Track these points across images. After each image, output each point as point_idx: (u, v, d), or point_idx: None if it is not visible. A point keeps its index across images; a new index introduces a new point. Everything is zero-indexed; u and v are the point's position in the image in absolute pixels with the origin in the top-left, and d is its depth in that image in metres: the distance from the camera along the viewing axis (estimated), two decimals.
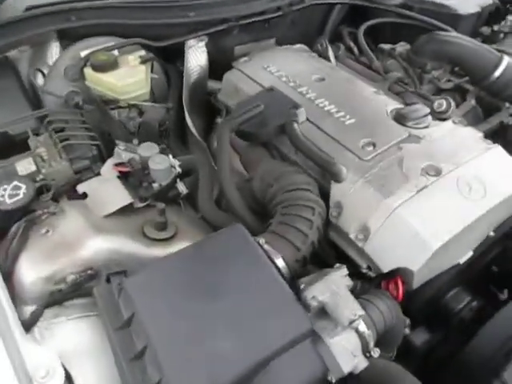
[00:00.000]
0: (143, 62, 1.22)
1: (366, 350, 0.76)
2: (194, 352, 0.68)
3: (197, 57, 1.41)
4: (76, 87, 1.21)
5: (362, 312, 0.73)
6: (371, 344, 0.76)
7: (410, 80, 1.34)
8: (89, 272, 0.88)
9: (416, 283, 0.95)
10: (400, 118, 1.07)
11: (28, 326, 0.82)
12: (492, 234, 1.11)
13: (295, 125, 1.04)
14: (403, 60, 1.38)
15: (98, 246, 0.88)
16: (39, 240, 0.91)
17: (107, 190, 0.96)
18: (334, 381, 0.71)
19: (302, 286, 0.76)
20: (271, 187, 0.94)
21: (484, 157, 0.98)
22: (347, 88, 1.19)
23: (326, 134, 1.05)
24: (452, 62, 1.32)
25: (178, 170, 1.03)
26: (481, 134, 1.05)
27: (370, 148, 1.01)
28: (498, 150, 1.02)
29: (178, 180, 1.05)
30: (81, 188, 0.98)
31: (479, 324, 1.05)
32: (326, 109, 1.11)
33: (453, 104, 1.13)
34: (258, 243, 0.81)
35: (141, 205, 0.98)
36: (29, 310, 0.86)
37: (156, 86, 1.33)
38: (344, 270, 0.78)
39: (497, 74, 1.27)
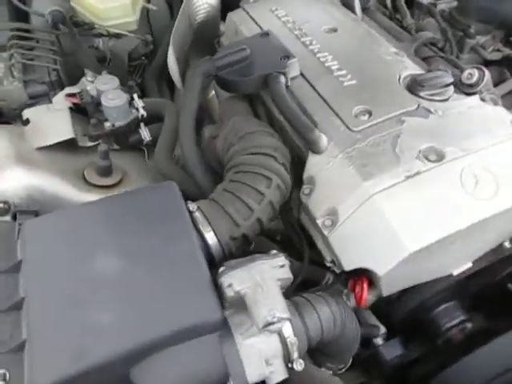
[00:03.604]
0: None
1: (288, 360, 0.62)
2: (70, 318, 0.57)
3: None
4: (61, 6, 1.10)
5: (285, 315, 0.58)
6: (295, 354, 0.61)
7: (448, 45, 1.10)
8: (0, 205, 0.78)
9: (387, 290, 0.78)
10: (413, 86, 0.86)
11: None
12: (508, 245, 0.91)
13: (281, 78, 0.87)
14: (444, 20, 1.13)
15: (17, 179, 0.76)
16: None
17: (51, 121, 0.85)
18: None
19: (220, 270, 0.62)
20: (233, 147, 0.78)
21: (506, 146, 0.77)
22: (361, 44, 0.98)
23: (318, 95, 0.87)
24: (504, 25, 1.07)
25: (142, 112, 0.89)
26: None
27: (365, 117, 0.82)
28: None
29: (142, 125, 0.92)
30: (25, 113, 0.88)
31: (469, 350, 0.88)
32: (326, 64, 0.92)
33: (487, 76, 0.90)
34: (189, 209, 0.68)
35: (88, 144, 0.86)
36: None
37: (155, 20, 1.19)
38: (280, 260, 0.63)
39: None
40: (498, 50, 1.15)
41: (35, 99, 0.92)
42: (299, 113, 0.81)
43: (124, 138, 0.90)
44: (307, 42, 0.98)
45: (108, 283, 0.60)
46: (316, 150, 0.79)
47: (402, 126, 0.79)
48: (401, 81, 0.88)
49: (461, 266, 0.83)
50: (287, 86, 0.89)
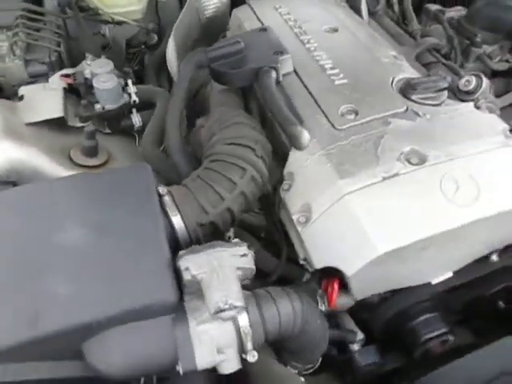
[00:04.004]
0: None
1: (242, 351, 0.61)
2: (28, 286, 0.58)
3: None
4: None
5: (238, 303, 0.58)
6: (248, 345, 0.60)
7: (454, 52, 1.08)
8: None
9: (359, 292, 0.76)
10: (406, 89, 0.85)
11: None
12: (495, 258, 0.88)
13: (272, 72, 0.87)
14: (452, 27, 1.11)
15: (3, 150, 0.78)
16: None
17: (44, 99, 0.88)
18: (181, 372, 0.58)
19: (180, 253, 0.62)
20: (215, 136, 0.79)
21: (494, 154, 0.75)
22: (359, 45, 0.97)
23: (308, 92, 0.87)
24: (511, 36, 1.04)
25: (134, 98, 0.91)
26: (506, 127, 0.80)
27: (351, 116, 0.81)
28: None
29: (134, 110, 0.93)
30: (21, 90, 0.91)
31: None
32: (320, 63, 0.92)
33: (485, 84, 0.88)
34: (159, 192, 0.68)
35: (78, 124, 0.88)
36: None
37: (164, 12, 1.20)
38: (242, 249, 0.63)
39: None
40: (507, 61, 1.12)
41: (35, 78, 0.95)
42: (284, 108, 0.81)
43: (115, 122, 0.92)
44: (305, 41, 0.98)
45: (69, 255, 0.61)
46: (297, 146, 0.78)
47: (387, 127, 0.78)
48: (394, 83, 0.87)
49: (440, 275, 0.81)
50: (279, 82, 0.89)
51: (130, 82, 0.91)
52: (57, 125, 0.86)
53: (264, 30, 0.97)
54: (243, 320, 0.62)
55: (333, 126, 0.80)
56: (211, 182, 0.70)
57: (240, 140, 0.75)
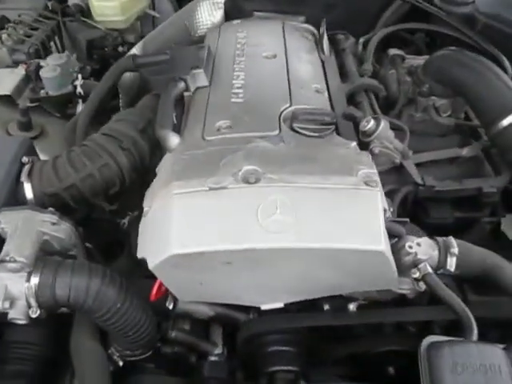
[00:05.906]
0: None
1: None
2: None
3: (211, 11, 1.37)
4: (82, 1, 1.33)
5: (20, 258, 0.66)
6: (31, 301, 0.68)
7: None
8: None
9: (178, 294, 0.80)
10: (291, 117, 0.86)
11: None
12: (352, 308, 0.84)
13: (180, 83, 0.95)
14: (410, 74, 1.08)
15: None
16: None
17: (4, 79, 1.06)
18: None
19: (1, 209, 0.72)
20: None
21: (328, 192, 0.73)
22: (283, 74, 1.00)
23: (206, 104, 0.93)
24: (456, 90, 0.98)
25: (79, 90, 1.06)
26: (370, 172, 0.77)
27: (225, 131, 0.85)
28: (368, 195, 0.73)
29: (80, 101, 1.08)
30: None
31: None
32: (233, 81, 0.98)
33: (382, 128, 0.86)
34: (22, 161, 0.80)
35: (28, 104, 1.05)
36: None
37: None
38: (52, 217, 0.72)
39: (505, 122, 0.90)
40: (467, 117, 1.05)
41: (17, 64, 1.16)
42: (165, 113, 0.87)
43: (62, 108, 1.08)
44: (237, 61, 1.04)
45: None
46: (165, 147, 0.85)
47: (246, 145, 0.81)
48: (285, 111, 0.89)
49: (269, 303, 0.80)
50: (192, 92, 0.97)
51: (79, 76, 1.06)
52: (8, 102, 1.05)
53: (202, 47, 1.05)
54: (33, 279, 0.70)
55: (202, 136, 0.85)
56: (67, 161, 0.80)
57: (112, 132, 0.85)
